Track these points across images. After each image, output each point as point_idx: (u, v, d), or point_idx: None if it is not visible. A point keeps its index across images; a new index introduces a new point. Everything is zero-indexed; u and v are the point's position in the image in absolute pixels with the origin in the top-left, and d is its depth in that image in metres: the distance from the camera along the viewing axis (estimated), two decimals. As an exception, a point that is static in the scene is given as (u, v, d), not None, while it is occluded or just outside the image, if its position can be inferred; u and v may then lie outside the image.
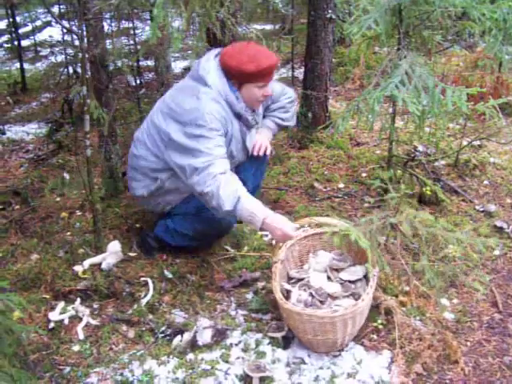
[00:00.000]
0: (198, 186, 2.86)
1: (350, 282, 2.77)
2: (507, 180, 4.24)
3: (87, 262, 3.15)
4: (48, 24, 8.94)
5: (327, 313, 2.49)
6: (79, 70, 5.86)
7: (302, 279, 2.83)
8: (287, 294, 2.72)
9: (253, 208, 2.77)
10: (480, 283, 2.96)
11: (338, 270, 2.84)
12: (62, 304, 2.88)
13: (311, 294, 2.69)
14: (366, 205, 3.74)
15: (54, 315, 2.80)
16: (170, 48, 4.13)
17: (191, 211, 3.17)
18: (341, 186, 4.08)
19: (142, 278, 3.08)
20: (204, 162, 2.85)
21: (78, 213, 3.86)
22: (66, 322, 2.79)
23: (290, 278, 2.90)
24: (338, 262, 2.85)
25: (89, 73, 3.47)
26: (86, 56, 3.04)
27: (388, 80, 2.98)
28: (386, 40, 3.22)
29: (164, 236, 3.32)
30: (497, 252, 3.45)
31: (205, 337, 2.59)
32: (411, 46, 3.36)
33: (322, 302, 2.66)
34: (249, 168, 3.36)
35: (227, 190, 2.79)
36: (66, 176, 4.38)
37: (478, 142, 4.56)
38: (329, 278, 2.82)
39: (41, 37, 8.75)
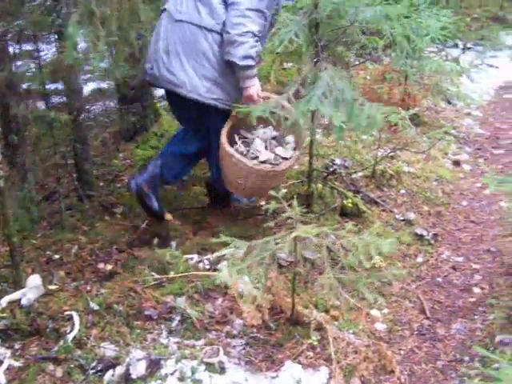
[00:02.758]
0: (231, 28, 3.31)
1: (280, 156, 3.54)
2: (422, 188, 4.38)
3: (5, 300, 2.96)
4: None
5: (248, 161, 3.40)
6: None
7: (247, 138, 3.64)
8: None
9: (251, 76, 3.43)
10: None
11: (276, 145, 3.63)
12: (-21, 347, 2.70)
13: (248, 151, 3.54)
14: (289, 221, 3.74)
15: (-30, 360, 2.62)
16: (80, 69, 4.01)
17: None
18: (262, 203, 4.06)
19: (67, 312, 2.90)
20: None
21: (-10, 247, 3.65)
22: (-15, 366, 2.61)
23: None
24: (280, 139, 3.67)
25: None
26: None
27: (310, 92, 3.01)
28: (306, 51, 3.30)
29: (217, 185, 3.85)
30: (420, 259, 3.53)
31: (138, 369, 2.48)
32: (328, 59, 3.42)
33: (252, 159, 3.47)
34: None
35: (249, 52, 3.31)
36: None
37: (391, 152, 4.68)
38: (266, 147, 3.58)
39: None
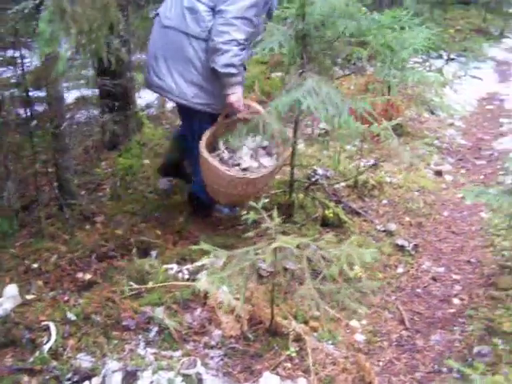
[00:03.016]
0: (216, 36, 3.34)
1: (263, 166, 3.59)
2: (404, 198, 4.38)
3: (-19, 310, 2.94)
4: None
5: (220, 167, 3.39)
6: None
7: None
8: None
9: (233, 84, 3.43)
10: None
11: (264, 154, 3.68)
12: (-47, 358, 2.65)
13: (231, 157, 3.60)
14: (270, 231, 3.72)
15: None
16: (62, 77, 3.97)
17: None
18: (244, 212, 4.04)
19: (44, 323, 2.87)
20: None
21: (-34, 257, 3.60)
22: (-40, 378, 2.57)
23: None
24: (269, 149, 3.71)
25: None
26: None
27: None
28: (290, 62, 3.32)
29: (200, 194, 3.78)
30: (400, 270, 3.53)
31: (114, 380, 2.46)
32: (314, 70, 3.43)
33: (234, 165, 3.55)
34: None
35: (232, 60, 3.34)
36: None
37: (372, 162, 4.69)
38: (252, 156, 3.63)
39: None
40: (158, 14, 3.65)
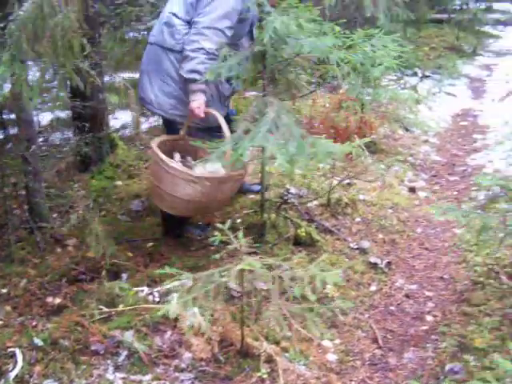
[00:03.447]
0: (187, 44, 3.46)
1: None
2: (377, 216, 4.37)
3: None
4: None
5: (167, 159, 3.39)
6: None
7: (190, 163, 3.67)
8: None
9: (196, 90, 3.47)
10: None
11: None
12: None
13: (187, 165, 3.57)
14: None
15: None
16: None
17: None
18: (215, 233, 4.01)
19: (10, 349, 2.83)
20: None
21: None
22: None
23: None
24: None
25: None
26: None
27: (256, 129, 3.01)
28: (251, 83, 3.34)
29: None
30: (373, 288, 3.53)
31: (81, 407, 2.42)
32: (277, 89, 3.44)
33: None
34: None
35: (197, 67, 3.41)
36: None
37: (347, 181, 4.68)
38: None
39: None
40: None
